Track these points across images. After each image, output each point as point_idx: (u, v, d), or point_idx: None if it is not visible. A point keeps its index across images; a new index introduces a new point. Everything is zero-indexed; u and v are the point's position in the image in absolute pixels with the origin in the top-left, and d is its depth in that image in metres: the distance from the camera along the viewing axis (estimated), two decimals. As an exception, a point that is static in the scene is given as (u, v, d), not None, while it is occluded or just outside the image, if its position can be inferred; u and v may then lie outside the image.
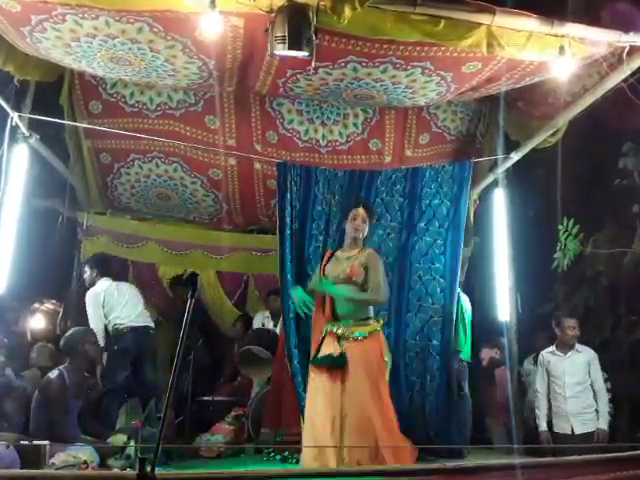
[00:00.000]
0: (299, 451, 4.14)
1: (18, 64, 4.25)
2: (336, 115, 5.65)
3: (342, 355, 3.95)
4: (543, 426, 4.74)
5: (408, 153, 5.92)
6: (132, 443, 4.22)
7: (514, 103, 5.12)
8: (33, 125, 4.80)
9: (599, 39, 3.75)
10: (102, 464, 4.03)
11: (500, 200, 5.47)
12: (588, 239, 5.84)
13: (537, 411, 4.83)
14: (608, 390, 4.78)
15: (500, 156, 5.40)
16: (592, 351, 4.81)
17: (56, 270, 6.33)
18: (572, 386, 4.71)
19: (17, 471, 3.29)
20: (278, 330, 5.77)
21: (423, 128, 5.82)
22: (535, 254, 5.88)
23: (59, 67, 4.60)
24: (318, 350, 4.10)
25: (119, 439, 4.31)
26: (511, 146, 5.34)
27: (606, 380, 4.82)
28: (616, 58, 3.93)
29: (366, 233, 4.27)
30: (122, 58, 4.16)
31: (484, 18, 3.58)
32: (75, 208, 6.31)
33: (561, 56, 3.74)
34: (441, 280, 4.95)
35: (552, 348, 4.88)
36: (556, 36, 3.70)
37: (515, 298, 5.31)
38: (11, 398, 4.36)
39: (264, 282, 6.67)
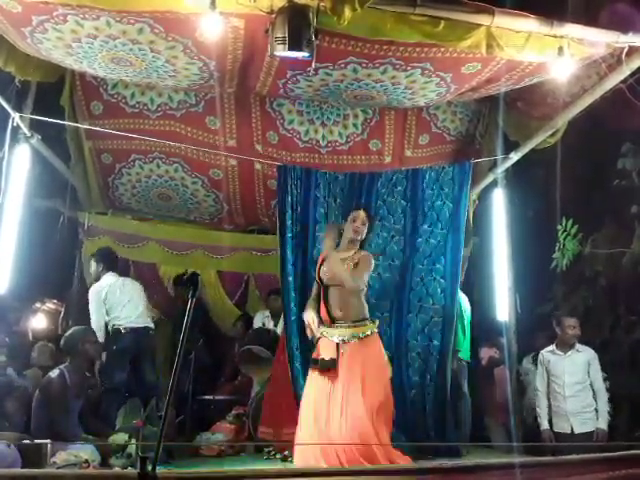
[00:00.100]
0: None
1: (19, 65, 4.27)
2: (336, 116, 5.67)
3: (333, 359, 3.98)
4: (545, 425, 4.75)
5: (408, 153, 5.94)
6: (133, 442, 4.23)
7: (513, 104, 5.13)
8: (34, 125, 4.82)
9: (598, 40, 3.76)
10: (103, 463, 4.03)
11: (499, 200, 5.49)
12: (587, 239, 5.85)
13: (538, 410, 4.84)
14: (607, 390, 4.78)
15: (499, 156, 5.41)
16: (592, 351, 4.82)
17: (57, 270, 6.35)
18: (571, 385, 4.71)
19: (19, 470, 3.31)
20: (279, 330, 5.79)
21: (423, 128, 5.83)
22: (534, 254, 5.89)
23: (60, 68, 4.62)
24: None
25: (120, 438, 4.32)
26: (510, 146, 5.35)
27: (605, 380, 4.82)
28: (615, 59, 3.94)
29: (364, 236, 4.30)
30: (123, 59, 4.17)
31: (483, 19, 3.60)
32: (76, 208, 6.33)
33: (560, 57, 3.75)
34: (442, 281, 4.97)
35: (552, 347, 4.89)
36: (555, 37, 3.72)
37: (514, 298, 5.32)
38: (12, 397, 4.37)
39: (264, 282, 6.68)
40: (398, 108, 5.42)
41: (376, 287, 4.92)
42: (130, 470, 3.64)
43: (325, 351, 4.08)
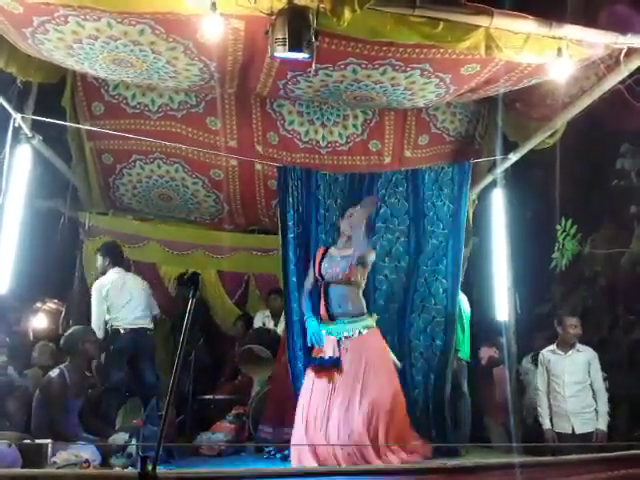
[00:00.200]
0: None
1: (20, 65, 4.28)
2: (336, 116, 5.68)
3: (337, 358, 3.99)
4: (547, 424, 4.74)
5: (407, 154, 5.95)
6: (133, 442, 4.24)
7: (512, 104, 5.14)
8: (36, 126, 4.82)
9: (597, 41, 3.77)
10: (104, 463, 4.04)
11: (498, 200, 5.49)
12: (586, 239, 5.86)
13: (539, 409, 4.84)
14: (606, 390, 4.78)
15: (498, 157, 5.42)
16: (592, 351, 4.82)
17: (58, 270, 6.37)
18: (572, 385, 4.71)
19: (19, 470, 3.31)
20: (279, 330, 5.81)
21: (422, 129, 5.85)
22: (533, 254, 5.90)
23: (61, 69, 4.63)
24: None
25: (120, 438, 4.33)
26: (509, 147, 5.36)
27: (604, 380, 4.83)
28: (613, 60, 3.94)
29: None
30: (124, 60, 4.18)
31: (482, 20, 3.62)
32: (77, 208, 6.34)
33: (559, 58, 3.76)
34: (444, 281, 4.98)
35: (553, 347, 4.89)
36: (554, 38, 3.73)
37: (513, 298, 5.32)
38: (13, 397, 4.38)
39: (265, 282, 6.71)
40: (398, 109, 5.43)
41: (383, 289, 4.94)
42: (130, 470, 3.66)
43: (326, 351, 4.07)
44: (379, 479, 2.88)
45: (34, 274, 5.57)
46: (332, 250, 4.32)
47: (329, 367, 4.03)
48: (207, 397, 5.73)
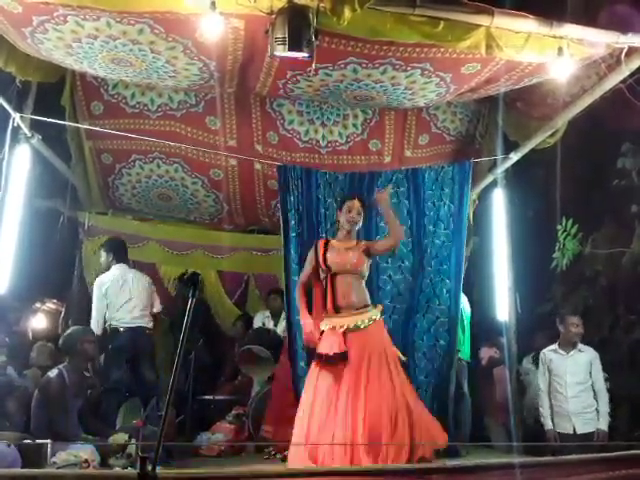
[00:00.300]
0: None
1: (20, 65, 4.27)
2: (336, 116, 5.67)
3: (343, 352, 3.97)
4: (549, 424, 4.74)
5: (408, 154, 5.94)
6: (133, 442, 4.23)
7: (513, 104, 5.14)
8: (35, 126, 4.82)
9: (597, 40, 3.77)
10: (103, 463, 4.03)
11: (499, 200, 5.49)
12: (587, 239, 5.86)
13: (541, 410, 4.83)
14: (607, 390, 4.78)
15: (499, 156, 5.42)
16: (594, 351, 4.81)
17: (57, 270, 6.36)
18: (573, 385, 4.71)
19: (19, 470, 3.31)
20: (279, 330, 5.80)
21: (423, 129, 5.84)
22: (534, 254, 5.90)
23: (61, 68, 4.62)
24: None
25: (120, 438, 4.32)
26: (510, 146, 5.36)
27: (605, 380, 4.83)
28: (614, 59, 3.94)
29: (360, 225, 4.33)
30: (123, 59, 4.18)
31: (483, 19, 3.61)
32: (76, 208, 6.34)
33: (560, 57, 3.76)
34: (447, 281, 4.97)
35: (554, 346, 4.88)
36: (555, 37, 3.72)
37: (514, 298, 5.32)
38: (13, 397, 4.38)
39: (264, 282, 6.71)
40: (398, 108, 5.42)
41: (387, 289, 4.94)
42: (130, 470, 3.65)
43: (331, 344, 4.03)
44: (379, 479, 2.87)
45: (33, 274, 5.57)
46: (334, 242, 4.30)
47: (335, 362, 3.99)
48: (207, 397, 5.72)
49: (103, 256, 5.47)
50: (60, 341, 4.66)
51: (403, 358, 4.24)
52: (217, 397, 5.78)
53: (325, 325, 4.13)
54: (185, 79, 4.56)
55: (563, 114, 4.67)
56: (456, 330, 4.91)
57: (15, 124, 4.56)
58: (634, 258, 5.56)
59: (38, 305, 6.45)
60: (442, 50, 3.92)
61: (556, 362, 4.82)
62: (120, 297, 5.22)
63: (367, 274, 4.26)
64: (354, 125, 5.76)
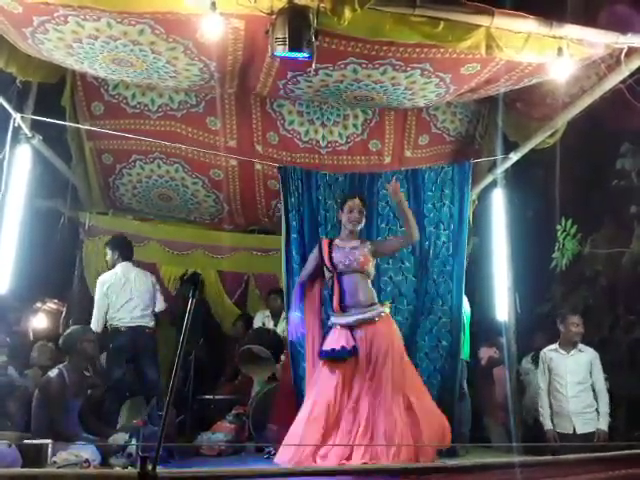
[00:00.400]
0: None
1: (20, 65, 4.28)
2: (336, 116, 5.67)
3: (351, 348, 3.97)
4: (548, 424, 4.75)
5: (408, 154, 5.94)
6: (133, 442, 4.24)
7: (513, 104, 5.14)
8: (35, 126, 4.82)
9: (597, 41, 3.77)
10: (104, 463, 4.03)
11: (499, 200, 5.50)
12: (586, 239, 5.87)
13: (541, 410, 4.83)
14: (607, 390, 4.78)
15: (499, 157, 5.42)
16: (594, 351, 4.82)
17: (58, 270, 6.37)
18: (574, 385, 4.71)
19: (19, 470, 3.31)
20: (279, 330, 5.80)
21: (422, 129, 5.84)
22: (534, 254, 5.90)
23: (61, 68, 4.63)
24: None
25: (120, 438, 4.33)
26: (510, 147, 5.36)
27: (605, 380, 4.83)
28: (614, 59, 3.94)
29: (362, 224, 4.34)
30: (124, 60, 4.18)
31: (483, 20, 3.62)
32: (77, 208, 6.34)
33: (559, 57, 3.76)
34: (449, 282, 4.97)
35: (555, 346, 4.88)
36: (554, 38, 3.73)
37: (514, 298, 5.32)
38: (14, 397, 4.39)
39: (264, 282, 6.71)
40: (398, 109, 5.42)
41: (388, 290, 4.92)
42: (130, 470, 3.65)
43: (338, 341, 4.03)
44: (379, 479, 2.87)
45: (34, 274, 5.58)
46: (338, 242, 4.31)
47: (342, 358, 3.99)
48: (207, 397, 5.73)
49: (109, 254, 5.48)
50: (60, 341, 4.66)
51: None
52: (217, 397, 5.78)
53: (332, 323, 4.14)
54: (186, 79, 4.56)
55: (563, 114, 4.67)
56: (459, 331, 4.89)
57: (16, 124, 4.56)
58: (634, 258, 5.57)
59: (39, 305, 6.46)
60: (442, 50, 3.93)
61: (556, 361, 4.82)
62: (121, 297, 5.23)
63: (373, 273, 4.27)
64: (354, 125, 5.76)
